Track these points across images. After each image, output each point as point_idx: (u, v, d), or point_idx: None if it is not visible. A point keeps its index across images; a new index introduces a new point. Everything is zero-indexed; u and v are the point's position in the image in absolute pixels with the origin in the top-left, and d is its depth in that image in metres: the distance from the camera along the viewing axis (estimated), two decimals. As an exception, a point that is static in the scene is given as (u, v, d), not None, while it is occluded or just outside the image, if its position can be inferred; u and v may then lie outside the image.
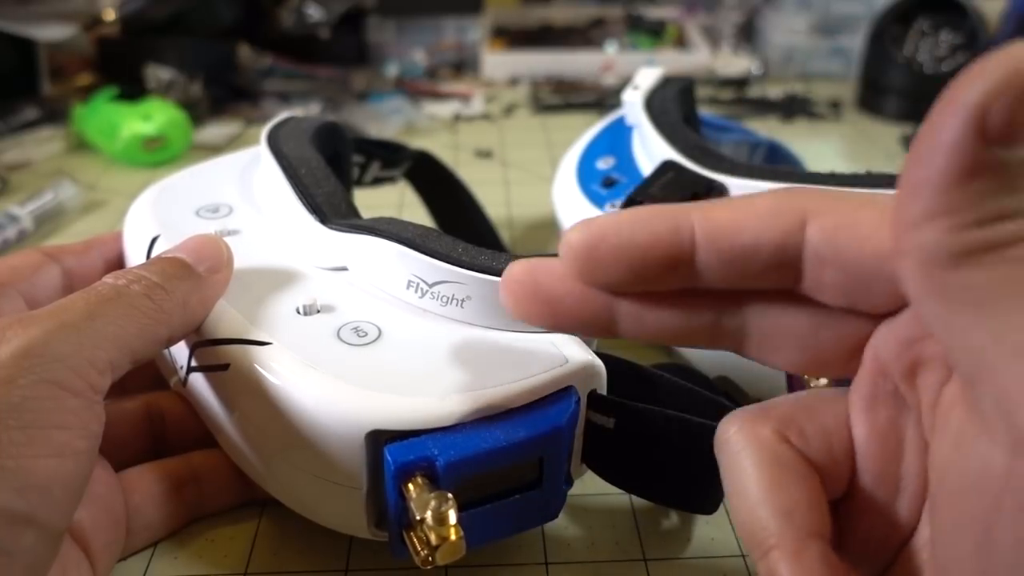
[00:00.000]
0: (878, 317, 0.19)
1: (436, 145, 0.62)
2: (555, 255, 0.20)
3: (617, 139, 0.44)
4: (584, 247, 0.19)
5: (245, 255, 0.30)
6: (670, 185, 0.37)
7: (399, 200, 0.54)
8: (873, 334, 0.19)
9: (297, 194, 0.32)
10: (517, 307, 0.20)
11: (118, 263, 0.33)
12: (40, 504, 0.20)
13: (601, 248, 0.19)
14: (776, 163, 0.47)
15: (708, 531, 0.30)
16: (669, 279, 0.19)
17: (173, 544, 0.29)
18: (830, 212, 0.18)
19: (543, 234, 0.51)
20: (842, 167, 0.41)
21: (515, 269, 0.20)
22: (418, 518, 0.22)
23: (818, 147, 0.67)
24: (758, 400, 0.31)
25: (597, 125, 0.47)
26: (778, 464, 0.20)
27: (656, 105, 0.42)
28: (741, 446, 0.20)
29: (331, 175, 0.33)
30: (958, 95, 0.15)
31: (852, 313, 0.19)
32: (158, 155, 0.61)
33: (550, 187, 0.45)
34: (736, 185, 0.36)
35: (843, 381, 0.32)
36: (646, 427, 0.26)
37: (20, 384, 0.21)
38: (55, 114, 0.68)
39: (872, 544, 0.20)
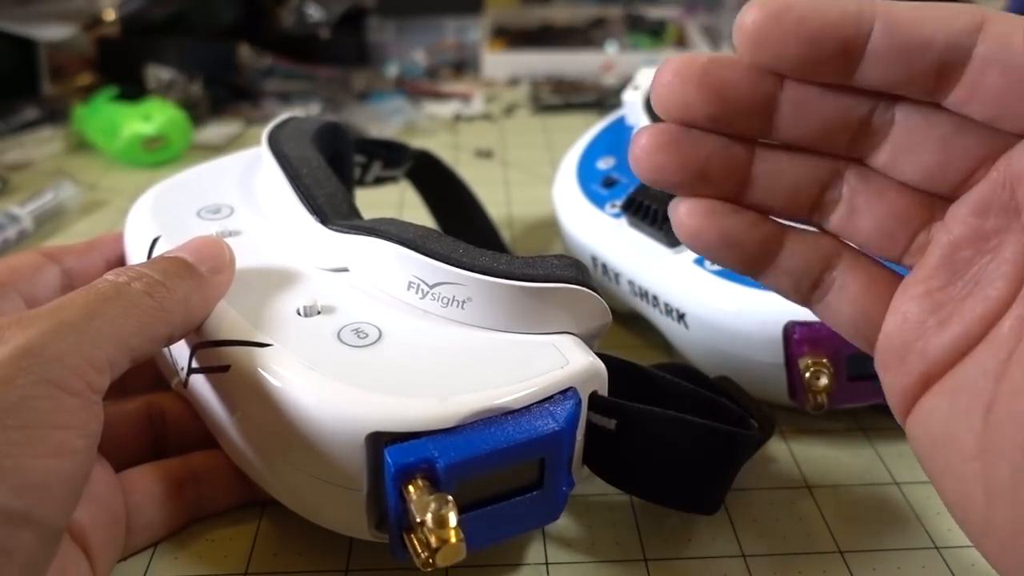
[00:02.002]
0: (1019, 136, 0.19)
1: (436, 145, 0.62)
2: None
3: (617, 139, 0.44)
4: (770, 16, 0.19)
5: (246, 256, 0.30)
6: (670, 185, 0.37)
7: (399, 200, 0.54)
8: (1012, 149, 0.20)
9: (298, 195, 0.31)
10: (681, 92, 0.21)
11: (119, 264, 0.33)
12: (38, 503, 0.20)
13: (786, 18, 0.19)
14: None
15: (709, 531, 0.30)
16: (835, 66, 0.20)
17: (173, 544, 0.29)
18: (1009, 22, 0.19)
19: (543, 234, 0.51)
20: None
21: (682, 57, 0.21)
22: (418, 520, 0.22)
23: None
24: (759, 400, 0.32)
25: (597, 125, 0.47)
26: None
27: (656, 105, 0.42)
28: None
29: (332, 176, 0.33)
30: None
31: (994, 129, 0.20)
32: (158, 155, 0.61)
33: (550, 187, 0.45)
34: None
35: (840, 397, 0.32)
36: (647, 428, 0.26)
37: (18, 384, 0.21)
38: (55, 114, 0.68)
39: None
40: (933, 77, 0.19)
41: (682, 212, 0.22)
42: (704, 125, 0.21)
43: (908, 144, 0.21)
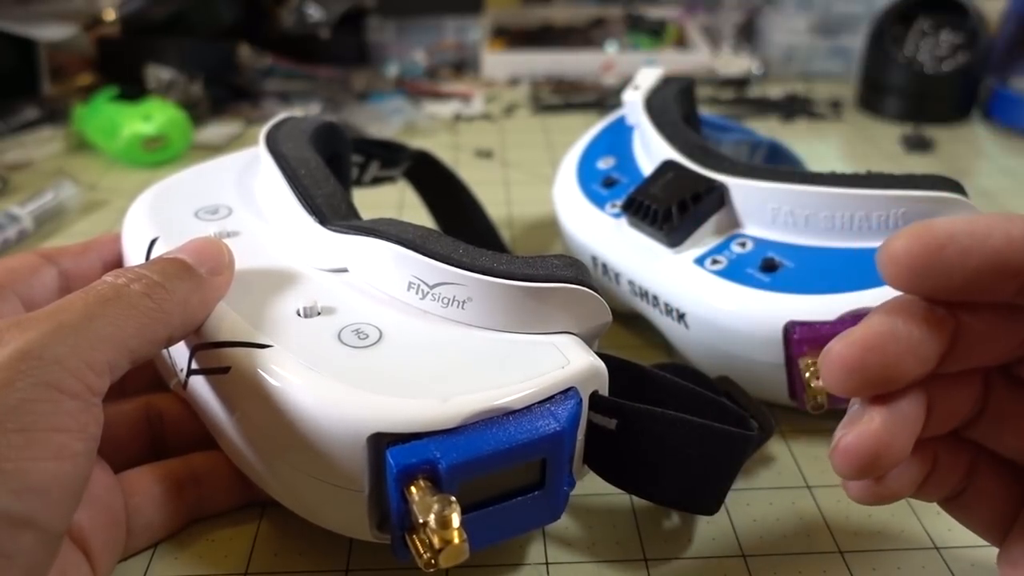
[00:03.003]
0: None
1: (436, 145, 0.62)
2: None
3: (617, 139, 0.44)
4: (930, 249, 0.19)
5: (245, 257, 0.29)
6: (670, 185, 0.37)
7: (399, 200, 0.54)
8: None
9: (296, 195, 0.31)
10: (847, 385, 0.21)
11: (117, 265, 0.33)
12: (38, 506, 0.20)
13: (950, 248, 0.19)
14: (776, 163, 0.47)
15: (709, 531, 0.30)
16: (1003, 288, 0.19)
17: (173, 545, 0.29)
18: None
19: (543, 234, 0.51)
20: (842, 167, 0.41)
21: (855, 334, 0.20)
22: (421, 521, 0.22)
23: (818, 147, 0.67)
24: (758, 400, 0.32)
25: (597, 125, 0.47)
26: None
27: (656, 105, 0.42)
28: None
29: (330, 176, 0.33)
30: None
31: None
32: (158, 155, 0.61)
33: (550, 187, 0.45)
34: (736, 185, 0.35)
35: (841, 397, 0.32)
36: (648, 428, 0.26)
37: (17, 387, 0.21)
38: (55, 114, 0.68)
39: None
40: None
41: (852, 490, 0.23)
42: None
43: None
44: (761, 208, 0.35)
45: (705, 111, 0.50)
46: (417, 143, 0.45)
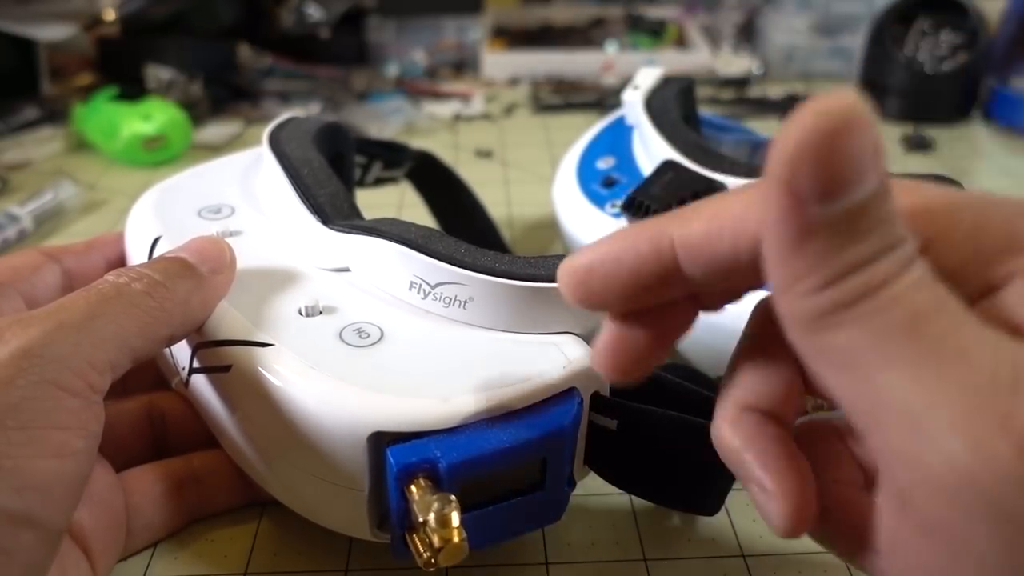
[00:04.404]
0: None
1: (436, 145, 0.62)
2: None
3: (617, 139, 0.44)
4: (576, 282, 0.20)
5: (247, 256, 0.30)
6: (670, 185, 0.37)
7: (399, 200, 0.54)
8: None
9: (299, 195, 0.31)
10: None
11: (119, 264, 0.33)
12: (39, 504, 0.20)
13: (593, 280, 0.20)
14: (776, 163, 0.47)
15: (708, 531, 0.30)
16: (665, 291, 0.20)
17: (173, 544, 0.29)
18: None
19: (543, 234, 0.51)
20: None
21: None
22: (421, 520, 0.22)
23: (818, 147, 0.67)
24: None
25: (597, 125, 0.47)
26: None
27: (656, 105, 0.42)
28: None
29: (333, 176, 0.33)
30: (772, 168, 0.15)
31: None
32: (158, 155, 0.61)
33: (550, 187, 0.45)
34: (736, 185, 0.35)
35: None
36: (648, 428, 0.26)
37: (19, 385, 0.21)
38: (55, 114, 0.68)
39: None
40: (758, 269, 0.18)
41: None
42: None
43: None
44: (761, 208, 0.35)
45: (705, 111, 0.50)
46: (417, 143, 0.45)
